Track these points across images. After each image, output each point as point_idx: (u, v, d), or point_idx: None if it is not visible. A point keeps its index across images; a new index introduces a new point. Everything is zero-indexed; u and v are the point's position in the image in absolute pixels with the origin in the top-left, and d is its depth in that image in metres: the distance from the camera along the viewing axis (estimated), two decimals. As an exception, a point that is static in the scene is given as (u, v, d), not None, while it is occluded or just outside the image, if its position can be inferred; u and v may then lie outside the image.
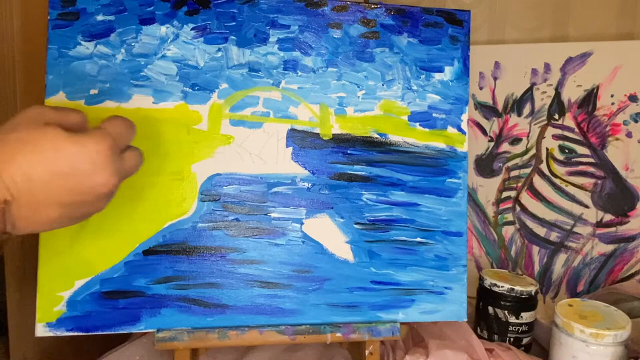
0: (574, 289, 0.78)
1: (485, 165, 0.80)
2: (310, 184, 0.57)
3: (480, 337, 0.64)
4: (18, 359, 0.74)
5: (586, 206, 0.77)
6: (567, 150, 0.77)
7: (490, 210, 0.80)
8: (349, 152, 0.58)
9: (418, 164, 0.59)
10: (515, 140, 0.78)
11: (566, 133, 0.77)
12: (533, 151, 0.78)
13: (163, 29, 0.54)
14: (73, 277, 0.52)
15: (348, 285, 0.57)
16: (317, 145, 0.57)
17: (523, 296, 0.64)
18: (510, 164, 0.79)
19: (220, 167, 0.55)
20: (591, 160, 0.76)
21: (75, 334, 0.52)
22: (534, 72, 0.77)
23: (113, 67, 0.53)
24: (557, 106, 0.77)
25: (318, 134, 0.58)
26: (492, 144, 0.79)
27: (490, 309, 0.66)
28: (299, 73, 0.57)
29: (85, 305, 0.52)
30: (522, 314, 0.64)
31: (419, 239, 0.59)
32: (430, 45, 0.60)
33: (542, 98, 0.77)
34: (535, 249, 0.79)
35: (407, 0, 0.65)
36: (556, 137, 0.77)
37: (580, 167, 0.77)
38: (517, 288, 0.64)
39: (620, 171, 0.76)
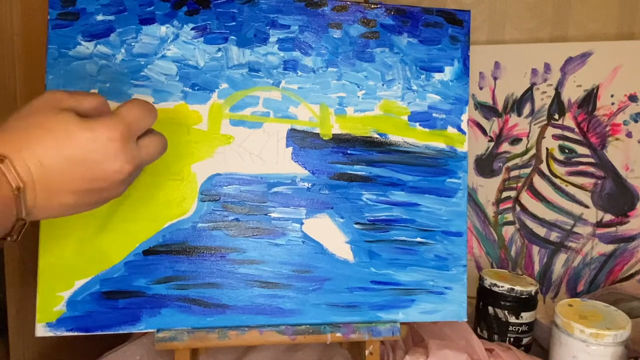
0: (574, 289, 0.78)
1: (485, 165, 0.80)
2: (310, 184, 0.57)
3: (480, 337, 0.64)
4: (18, 359, 0.74)
5: (586, 206, 0.77)
6: (567, 150, 0.77)
7: (490, 210, 0.80)
8: (349, 152, 0.58)
9: (418, 164, 0.59)
10: (515, 140, 0.78)
11: (566, 133, 0.77)
12: (533, 151, 0.78)
13: (163, 29, 0.54)
14: (73, 277, 0.52)
15: (348, 285, 0.57)
16: (317, 145, 0.57)
17: (523, 296, 0.64)
18: (510, 164, 0.79)
19: (220, 167, 0.55)
20: (591, 160, 0.76)
21: (75, 334, 0.52)
22: (534, 72, 0.77)
23: (113, 67, 0.53)
24: (557, 106, 0.77)
25: (318, 134, 0.58)
26: (492, 144, 0.79)
27: (490, 309, 0.66)
28: (299, 73, 0.57)
29: (85, 305, 0.52)
30: (522, 314, 0.64)
31: (419, 239, 0.59)
32: (430, 45, 0.60)
33: (542, 98, 0.77)
34: (535, 249, 0.79)
35: (407, 0, 0.65)
36: (556, 137, 0.77)
37: (580, 167, 0.77)
38: (517, 288, 0.64)
39: (620, 171, 0.76)
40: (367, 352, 0.57)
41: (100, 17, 0.53)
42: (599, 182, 0.76)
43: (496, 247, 0.80)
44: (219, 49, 0.56)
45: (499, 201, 0.79)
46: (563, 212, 0.77)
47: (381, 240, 0.58)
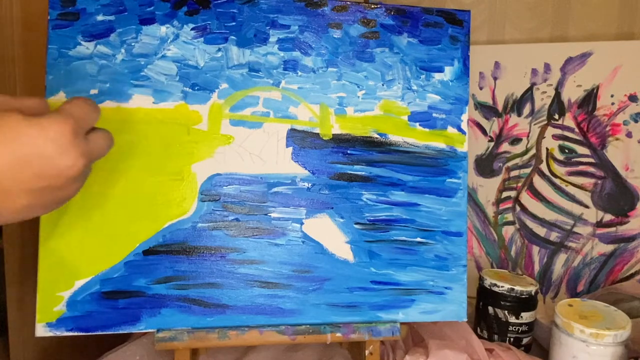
0: (574, 289, 0.78)
1: (485, 165, 0.80)
2: (310, 184, 0.57)
3: (480, 337, 0.64)
4: (18, 359, 0.74)
5: (586, 206, 0.77)
6: (567, 150, 0.77)
7: (490, 210, 0.80)
8: (349, 152, 0.58)
9: (418, 164, 0.59)
10: (515, 140, 0.78)
11: (566, 133, 0.77)
12: (533, 151, 0.78)
13: (163, 29, 0.54)
14: (73, 277, 0.52)
15: (348, 285, 0.57)
16: (317, 145, 0.57)
17: (523, 296, 0.64)
18: (510, 164, 0.79)
19: (220, 167, 0.55)
20: (591, 160, 0.76)
21: (75, 334, 0.52)
22: (534, 72, 0.77)
23: (113, 67, 0.53)
24: (557, 106, 0.77)
25: (318, 134, 0.58)
26: (492, 144, 0.79)
27: (490, 309, 0.66)
28: (299, 73, 0.57)
29: (85, 305, 0.52)
30: (522, 314, 0.64)
31: (419, 239, 0.59)
32: (430, 45, 0.60)
33: (542, 98, 0.77)
34: (535, 249, 0.79)
35: (407, 0, 0.65)
36: (556, 137, 0.77)
37: (580, 167, 0.77)
38: (517, 288, 0.64)
39: (620, 171, 0.76)
40: (367, 352, 0.57)
41: (100, 17, 0.53)
42: (599, 182, 0.76)
43: (496, 247, 0.80)
44: (219, 49, 0.56)
45: (499, 201, 0.79)
46: (563, 212, 0.77)
47: (381, 240, 0.58)
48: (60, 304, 0.52)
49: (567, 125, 0.77)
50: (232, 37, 0.56)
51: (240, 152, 0.56)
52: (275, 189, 0.56)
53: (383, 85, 0.59)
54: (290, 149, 0.57)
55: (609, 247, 0.77)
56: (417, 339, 0.64)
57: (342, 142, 0.58)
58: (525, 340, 0.65)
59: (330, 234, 0.57)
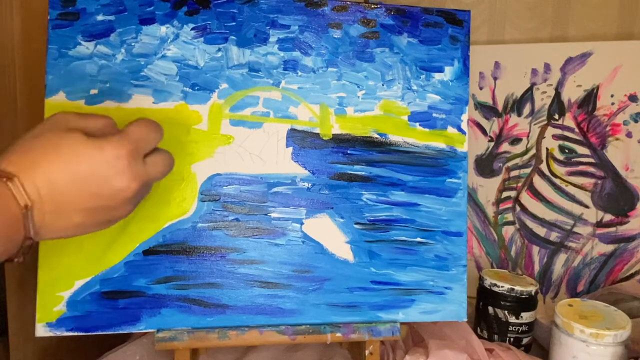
0: (574, 289, 0.78)
1: (485, 165, 0.80)
2: (310, 184, 0.57)
3: (480, 337, 0.64)
4: (18, 359, 0.74)
5: (586, 206, 0.77)
6: (567, 150, 0.77)
7: (490, 210, 0.80)
8: (349, 152, 0.58)
9: (418, 164, 0.59)
10: (515, 140, 0.78)
11: (566, 133, 0.77)
12: (533, 151, 0.78)
13: (163, 29, 0.54)
14: (73, 277, 0.52)
15: (348, 285, 0.57)
16: (317, 145, 0.57)
17: (523, 296, 0.64)
18: (510, 164, 0.79)
19: (220, 167, 0.55)
20: (591, 160, 0.76)
21: (75, 334, 0.52)
22: (534, 72, 0.77)
23: (113, 67, 0.53)
24: (557, 106, 0.77)
25: (318, 134, 0.58)
26: (492, 144, 0.79)
27: (490, 309, 0.66)
28: (299, 73, 0.57)
29: (85, 305, 0.52)
30: (522, 314, 0.64)
31: (419, 239, 0.59)
32: (430, 45, 0.60)
33: (542, 98, 0.77)
34: (535, 249, 0.79)
35: (407, 0, 0.65)
36: (556, 137, 0.77)
37: (580, 167, 0.77)
38: (517, 288, 0.64)
39: (620, 171, 0.76)
40: (367, 352, 0.57)
41: (100, 17, 0.53)
42: (599, 182, 0.76)
43: (496, 247, 0.80)
44: (219, 49, 0.56)
45: (499, 201, 0.79)
46: (563, 212, 0.77)
47: (381, 240, 0.58)
48: (60, 304, 0.52)
49: (567, 125, 0.77)
50: (232, 37, 0.56)
51: (240, 152, 0.56)
52: (275, 189, 0.56)
53: (383, 85, 0.59)
54: (290, 149, 0.57)
55: (609, 247, 0.77)
56: (417, 339, 0.64)
57: (342, 142, 0.58)
58: (525, 340, 0.65)
59: (330, 234, 0.57)
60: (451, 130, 0.60)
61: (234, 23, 0.56)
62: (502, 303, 0.65)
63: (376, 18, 0.59)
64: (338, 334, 0.56)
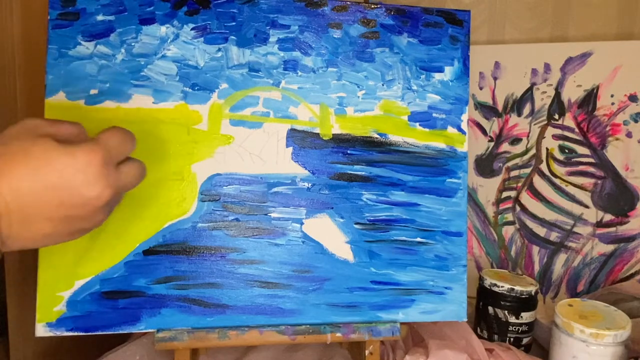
0: (574, 289, 0.78)
1: (485, 165, 0.80)
2: (310, 184, 0.57)
3: (480, 337, 0.64)
4: (18, 359, 0.74)
5: (586, 206, 0.77)
6: (567, 150, 0.77)
7: (490, 210, 0.80)
8: (349, 152, 0.58)
9: (418, 164, 0.59)
10: (515, 140, 0.78)
11: (566, 133, 0.77)
12: (533, 151, 0.78)
13: (163, 29, 0.54)
14: (73, 277, 0.52)
15: (348, 285, 0.57)
16: (317, 145, 0.57)
17: (523, 296, 0.64)
18: (510, 164, 0.79)
19: (220, 167, 0.55)
20: (591, 160, 0.76)
21: (75, 334, 0.52)
22: (534, 72, 0.77)
23: (113, 67, 0.53)
24: (557, 106, 0.77)
25: (318, 134, 0.58)
26: (492, 144, 0.79)
27: (490, 309, 0.66)
28: (299, 73, 0.57)
29: (85, 305, 0.52)
30: (522, 314, 0.64)
31: (419, 239, 0.59)
32: (430, 45, 0.60)
33: (542, 98, 0.77)
34: (535, 249, 0.79)
35: (407, 0, 0.65)
36: (556, 137, 0.77)
37: (580, 167, 0.77)
38: (517, 288, 0.64)
39: (620, 171, 0.76)
40: (367, 352, 0.57)
41: (100, 17, 0.53)
42: (599, 182, 0.76)
43: (496, 247, 0.80)
44: (219, 49, 0.56)
45: (499, 201, 0.79)
46: (563, 212, 0.77)
47: (381, 240, 0.58)
48: (60, 304, 0.52)
49: (567, 125, 0.77)
50: (232, 37, 0.56)
51: (240, 152, 0.56)
52: (275, 189, 0.56)
53: (383, 85, 0.59)
54: (290, 149, 0.57)
55: (609, 247, 0.77)
56: (417, 339, 0.64)
57: (342, 142, 0.58)
58: (525, 340, 0.65)
59: (330, 234, 0.57)
60: (451, 130, 0.60)
61: (234, 23, 0.56)
62: (502, 303, 0.65)
63: (376, 18, 0.59)
64: (338, 334, 0.56)
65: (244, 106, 0.56)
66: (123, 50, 0.54)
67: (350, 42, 0.58)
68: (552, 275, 0.78)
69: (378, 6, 0.59)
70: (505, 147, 0.79)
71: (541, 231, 0.78)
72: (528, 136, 0.78)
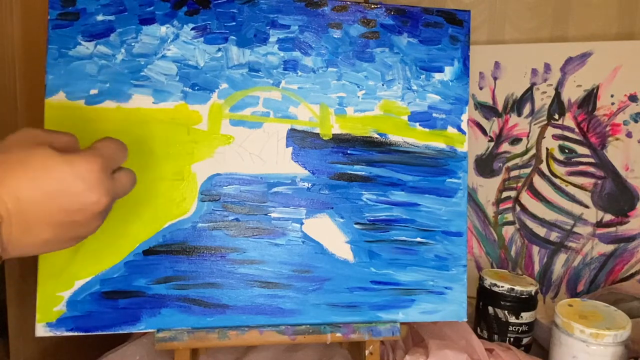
0: (574, 289, 0.78)
1: (485, 165, 0.80)
2: (310, 184, 0.57)
3: (480, 337, 0.64)
4: (18, 359, 0.74)
5: (586, 206, 0.77)
6: (567, 150, 0.77)
7: (490, 210, 0.80)
8: (349, 152, 0.58)
9: (418, 164, 0.59)
10: (515, 140, 0.78)
11: (566, 133, 0.77)
12: (533, 151, 0.78)
13: (163, 29, 0.54)
14: (73, 277, 0.52)
15: (348, 285, 0.57)
16: (317, 145, 0.57)
17: (523, 296, 0.64)
18: (510, 164, 0.79)
19: (220, 167, 0.55)
20: (591, 160, 0.76)
21: (75, 334, 0.52)
22: (534, 72, 0.77)
23: (113, 67, 0.53)
24: (557, 106, 0.77)
25: (318, 134, 0.58)
26: (492, 144, 0.79)
27: (490, 309, 0.66)
28: (299, 73, 0.57)
29: (85, 305, 0.52)
30: (522, 314, 0.64)
31: (419, 239, 0.59)
32: (430, 45, 0.60)
33: (542, 98, 0.77)
34: (535, 249, 0.79)
35: (407, 0, 0.65)
36: (556, 137, 0.77)
37: (580, 167, 0.77)
38: (517, 288, 0.64)
39: (620, 171, 0.76)
40: (367, 352, 0.57)
41: (100, 17, 0.53)
42: (599, 182, 0.76)
43: (496, 247, 0.80)
44: (219, 49, 0.56)
45: (499, 201, 0.79)
46: (563, 212, 0.77)
47: (381, 240, 0.58)
48: (60, 304, 0.52)
49: (567, 125, 0.77)
50: (232, 37, 0.56)
51: (240, 152, 0.56)
52: (275, 189, 0.56)
53: (383, 85, 0.59)
54: (290, 149, 0.57)
55: (609, 247, 0.77)
56: (417, 339, 0.64)
57: (342, 142, 0.58)
58: (525, 340, 0.65)
59: (330, 234, 0.57)
60: (451, 130, 0.60)
61: (234, 23, 0.56)
62: (502, 303, 0.65)
63: (376, 18, 0.59)
64: (338, 334, 0.56)
65: (244, 106, 0.56)
66: (123, 50, 0.54)
67: (350, 42, 0.58)
68: (552, 275, 0.78)
69: (378, 6, 0.59)
70: (505, 147, 0.79)
71: (541, 231, 0.78)
72: (528, 136, 0.78)
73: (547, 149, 0.78)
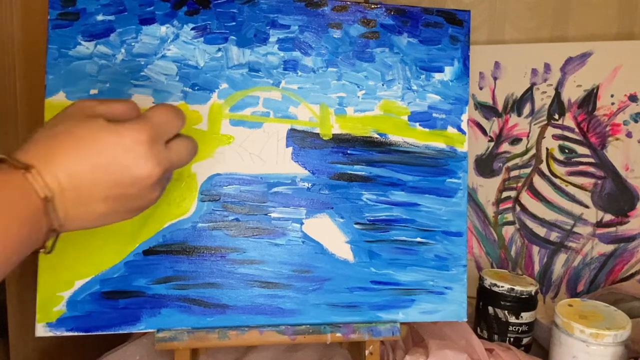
0: (574, 289, 0.78)
1: (485, 165, 0.80)
2: (310, 184, 0.57)
3: (480, 337, 0.64)
4: (18, 359, 0.74)
5: (586, 206, 0.77)
6: (567, 150, 0.77)
7: (490, 210, 0.80)
8: (349, 152, 0.58)
9: (418, 164, 0.59)
10: (515, 140, 0.78)
11: (566, 133, 0.77)
12: (533, 151, 0.78)
13: (163, 29, 0.54)
14: (73, 277, 0.52)
15: (348, 285, 0.57)
16: (317, 145, 0.57)
17: (523, 296, 0.64)
18: (510, 164, 0.79)
19: (220, 167, 0.55)
20: (591, 160, 0.76)
21: (75, 334, 0.52)
22: (534, 72, 0.77)
23: (113, 67, 0.53)
24: (557, 106, 0.77)
25: (318, 134, 0.58)
26: (492, 144, 0.79)
27: (490, 309, 0.66)
28: (299, 73, 0.57)
29: (85, 305, 0.52)
30: (522, 314, 0.64)
31: (419, 239, 0.59)
32: (430, 45, 0.60)
33: (542, 98, 0.77)
34: (535, 249, 0.79)
35: (407, 0, 0.65)
36: (556, 137, 0.77)
37: (580, 167, 0.77)
38: (517, 288, 0.64)
39: (620, 171, 0.76)
40: (367, 352, 0.57)
41: (100, 17, 0.53)
42: (599, 182, 0.76)
43: (496, 247, 0.80)
44: (219, 49, 0.56)
45: (499, 201, 0.79)
46: (563, 212, 0.77)
47: (381, 240, 0.58)
48: (60, 304, 0.52)
49: (567, 125, 0.77)
50: (232, 37, 0.56)
51: (240, 152, 0.56)
52: (275, 189, 0.56)
53: (383, 85, 0.59)
54: (290, 149, 0.57)
55: (609, 247, 0.77)
56: (417, 339, 0.64)
57: (342, 142, 0.58)
58: (525, 340, 0.65)
59: (330, 234, 0.57)
60: (451, 130, 0.60)
61: (234, 23, 0.56)
62: (502, 303, 0.65)
63: (376, 18, 0.59)
64: (338, 334, 0.56)
65: (244, 106, 0.56)
66: (123, 50, 0.54)
67: (350, 42, 0.58)
68: (552, 275, 0.78)
69: (378, 6, 0.59)
70: (505, 147, 0.79)
71: (541, 231, 0.78)
72: (528, 136, 0.78)
73: (547, 149, 0.78)
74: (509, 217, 0.79)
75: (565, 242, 0.78)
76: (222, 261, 0.55)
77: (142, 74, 0.54)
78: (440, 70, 0.60)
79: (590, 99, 0.76)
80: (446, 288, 0.59)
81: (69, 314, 0.52)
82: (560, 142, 0.77)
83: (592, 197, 0.77)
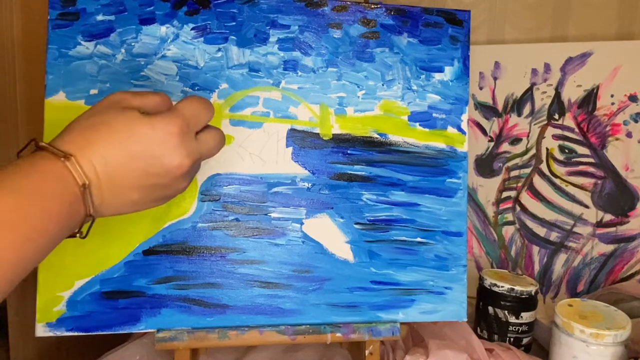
0: (574, 289, 0.78)
1: (485, 165, 0.80)
2: (310, 184, 0.57)
3: (480, 337, 0.64)
4: (18, 359, 0.74)
5: (586, 206, 0.77)
6: (567, 150, 0.77)
7: (490, 210, 0.80)
8: (349, 152, 0.58)
9: (418, 164, 0.59)
10: (515, 140, 0.78)
11: (566, 133, 0.77)
12: (533, 151, 0.78)
13: (163, 29, 0.54)
14: (73, 277, 0.52)
15: (348, 285, 0.57)
16: (317, 145, 0.57)
17: (523, 296, 0.64)
18: (510, 164, 0.79)
19: (220, 167, 0.55)
20: (591, 160, 0.76)
21: (75, 334, 0.52)
22: (534, 72, 0.77)
23: (113, 67, 0.53)
24: (557, 106, 0.77)
25: (318, 134, 0.58)
26: (492, 144, 0.79)
27: (490, 309, 0.66)
28: (299, 73, 0.57)
29: (85, 305, 0.52)
30: (522, 314, 0.64)
31: (419, 239, 0.59)
32: (430, 45, 0.60)
33: (542, 98, 0.77)
34: (535, 249, 0.79)
35: (407, 0, 0.65)
36: (556, 137, 0.77)
37: (580, 167, 0.77)
38: (517, 288, 0.64)
39: (620, 171, 0.76)
40: (367, 352, 0.57)
41: (100, 17, 0.53)
42: (599, 182, 0.76)
43: (496, 247, 0.80)
44: (219, 49, 0.56)
45: (499, 201, 0.79)
46: (563, 212, 0.77)
47: (381, 240, 0.58)
48: (60, 304, 0.52)
49: (567, 125, 0.77)
50: (232, 37, 0.56)
51: (240, 152, 0.56)
52: (275, 189, 0.56)
53: (383, 85, 0.59)
54: (290, 149, 0.57)
55: (609, 247, 0.77)
56: (417, 339, 0.64)
57: (342, 142, 0.58)
58: (525, 340, 0.65)
59: (330, 234, 0.57)
60: (451, 130, 0.60)
61: (234, 23, 0.56)
62: (502, 303, 0.65)
63: (376, 18, 0.59)
64: (338, 334, 0.56)
65: (244, 106, 0.56)
66: (123, 50, 0.54)
67: (350, 42, 0.58)
68: (552, 275, 0.78)
69: (378, 6, 0.59)
70: (505, 147, 0.79)
71: (541, 231, 0.78)
72: (528, 136, 0.78)
73: (547, 149, 0.78)
74: (509, 217, 0.79)
75: (565, 242, 0.78)
76: (222, 261, 0.55)
77: (142, 74, 0.54)
78: (440, 70, 0.60)
79: (590, 99, 0.76)
80: (446, 288, 0.59)
81: (69, 314, 0.52)
82: (560, 142, 0.77)
83: (592, 197, 0.77)
